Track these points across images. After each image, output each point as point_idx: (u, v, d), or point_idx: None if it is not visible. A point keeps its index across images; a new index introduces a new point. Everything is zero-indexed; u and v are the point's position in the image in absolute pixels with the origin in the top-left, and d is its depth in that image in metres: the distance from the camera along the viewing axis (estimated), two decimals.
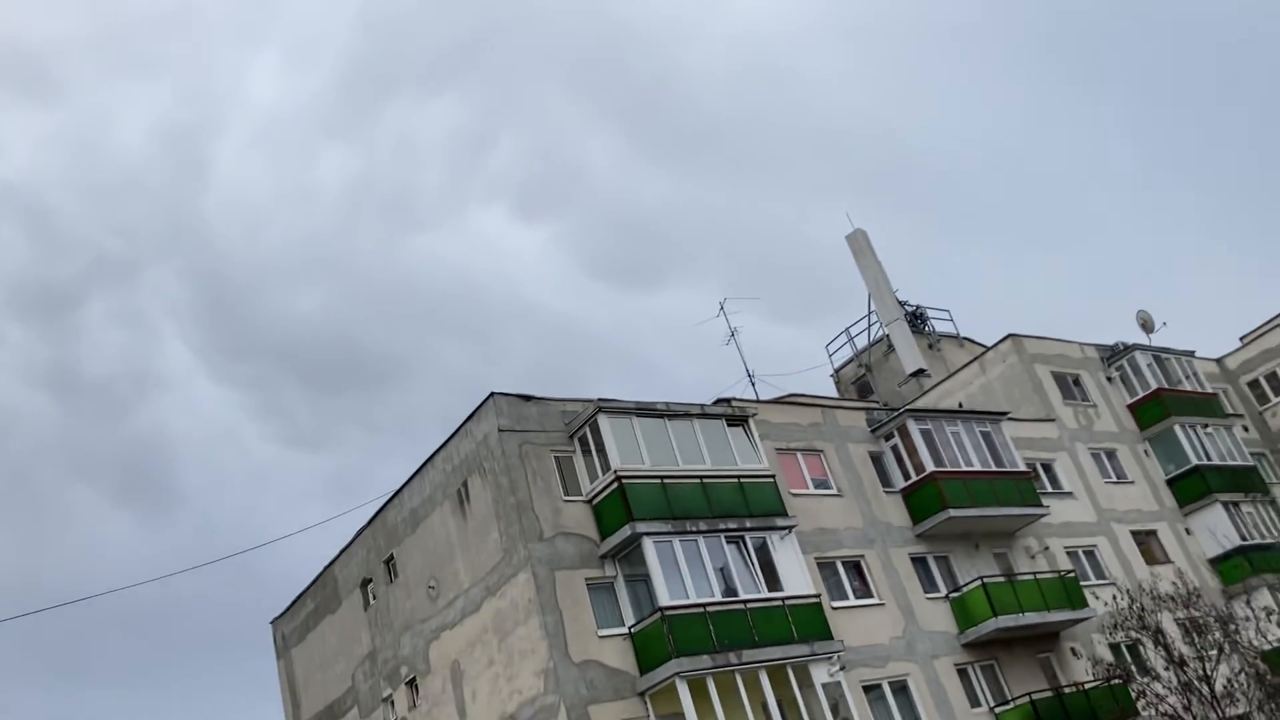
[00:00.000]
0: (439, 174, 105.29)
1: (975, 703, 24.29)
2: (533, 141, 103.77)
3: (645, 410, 22.49)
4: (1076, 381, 33.60)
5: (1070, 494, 30.23)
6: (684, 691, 19.40)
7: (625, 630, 20.44)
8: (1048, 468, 30.44)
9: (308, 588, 27.95)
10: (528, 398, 22.23)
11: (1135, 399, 34.05)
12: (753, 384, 31.38)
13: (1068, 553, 28.78)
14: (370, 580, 25.44)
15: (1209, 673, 23.98)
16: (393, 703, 24.22)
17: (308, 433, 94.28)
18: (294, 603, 28.66)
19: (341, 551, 26.55)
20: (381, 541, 25.02)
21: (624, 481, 21.09)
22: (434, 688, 22.79)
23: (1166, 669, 24.30)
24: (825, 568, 23.94)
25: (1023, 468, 28.27)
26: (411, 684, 23.63)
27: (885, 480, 26.61)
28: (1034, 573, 26.51)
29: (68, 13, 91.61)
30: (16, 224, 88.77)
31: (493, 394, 21.84)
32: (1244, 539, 31.74)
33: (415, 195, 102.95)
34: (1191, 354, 36.38)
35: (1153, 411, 33.64)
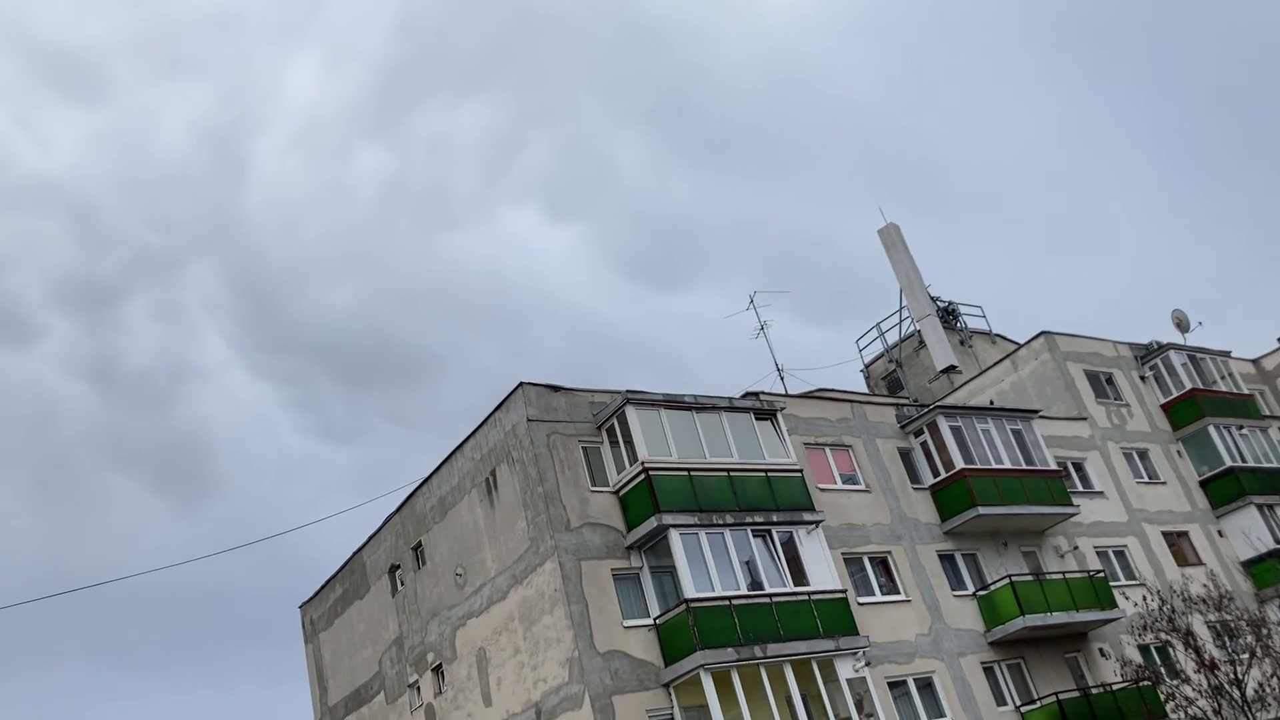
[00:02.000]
0: (471, 173, 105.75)
1: (1001, 701, 24.15)
2: (562, 142, 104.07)
3: (673, 402, 22.50)
4: (1109, 380, 33.28)
5: (1101, 493, 29.97)
6: (708, 684, 19.43)
7: (650, 621, 20.48)
8: (1079, 467, 30.19)
9: (336, 573, 28.18)
10: (556, 388, 22.30)
11: (1169, 399, 33.68)
12: (781, 378, 31.32)
13: (1097, 552, 28.53)
14: (398, 567, 25.61)
15: (1240, 677, 23.71)
16: (419, 689, 24.40)
17: (340, 425, 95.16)
18: (322, 588, 28.90)
19: (370, 538, 26.75)
20: (410, 528, 25.19)
21: (651, 473, 21.12)
22: (460, 674, 22.95)
23: (1197, 672, 24.03)
24: (852, 563, 23.87)
25: (1053, 466, 28.05)
26: (438, 670, 23.80)
27: (914, 477, 26.50)
28: (1063, 572, 26.32)
29: (112, 14, 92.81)
30: (62, 220, 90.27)
31: (521, 384, 21.92)
32: (1278, 542, 31.33)
33: (447, 194, 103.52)
34: (1227, 354, 35.90)
35: (1187, 412, 33.26)
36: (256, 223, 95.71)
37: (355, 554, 27.35)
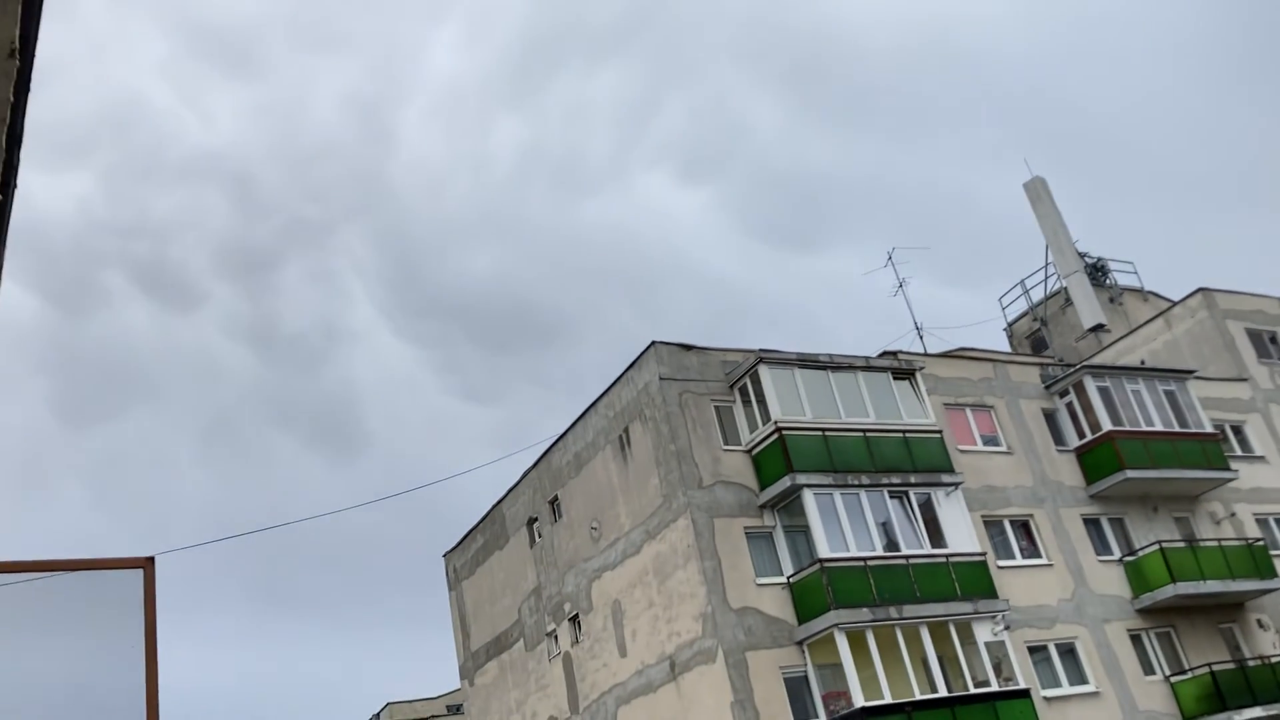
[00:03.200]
0: (606, 139, 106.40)
1: (1149, 670, 23.40)
2: (697, 105, 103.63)
3: (807, 361, 22.33)
4: (1274, 339, 31.46)
5: (1262, 458, 28.49)
6: (842, 643, 19.41)
7: (784, 580, 20.53)
8: (1238, 430, 28.75)
9: (477, 524, 29.09)
10: (688, 347, 22.38)
11: None
12: (920, 337, 30.64)
13: (1257, 520, 27.20)
14: (536, 519, 26.28)
15: None
16: (556, 637, 25.08)
17: (482, 386, 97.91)
18: (465, 538, 29.88)
19: (509, 491, 27.49)
20: (547, 483, 25.79)
21: (784, 432, 21.06)
22: (595, 625, 23.48)
23: None
24: (992, 526, 23.39)
25: (1209, 429, 26.78)
26: (574, 620, 24.40)
27: (1059, 438, 25.71)
28: (1218, 539, 25.21)
29: None
30: (223, 190, 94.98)
31: (654, 343, 22.08)
32: None
33: (583, 160, 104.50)
34: None
35: None
36: (402, 191, 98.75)
37: (495, 506, 28.17)
